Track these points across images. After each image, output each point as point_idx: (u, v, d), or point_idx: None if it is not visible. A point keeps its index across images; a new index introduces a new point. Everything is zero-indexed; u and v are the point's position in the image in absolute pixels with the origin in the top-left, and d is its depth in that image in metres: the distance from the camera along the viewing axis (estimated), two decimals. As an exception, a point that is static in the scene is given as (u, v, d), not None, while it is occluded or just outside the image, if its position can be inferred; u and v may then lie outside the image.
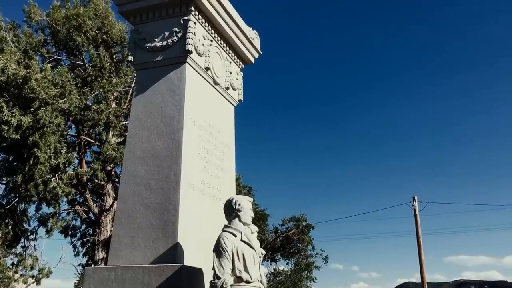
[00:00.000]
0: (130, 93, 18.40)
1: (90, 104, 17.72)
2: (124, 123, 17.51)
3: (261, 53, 8.03)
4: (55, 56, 18.45)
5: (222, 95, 7.27)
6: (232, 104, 7.62)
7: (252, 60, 7.97)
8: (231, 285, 4.74)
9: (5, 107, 14.82)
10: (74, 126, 18.72)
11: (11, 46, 16.42)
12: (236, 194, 7.01)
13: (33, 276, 19.42)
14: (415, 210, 26.02)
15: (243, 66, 7.95)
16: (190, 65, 6.40)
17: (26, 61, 16.03)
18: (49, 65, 16.83)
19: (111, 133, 17.94)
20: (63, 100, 15.89)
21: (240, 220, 5.20)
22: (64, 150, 16.43)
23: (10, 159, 17.34)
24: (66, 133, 18.14)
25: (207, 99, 6.79)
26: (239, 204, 5.24)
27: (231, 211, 5.26)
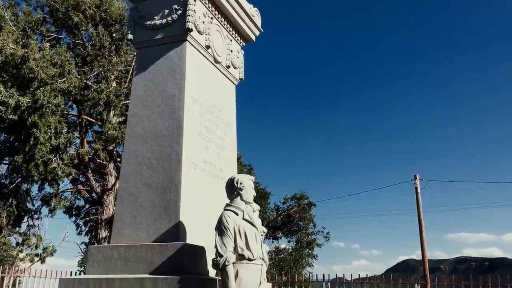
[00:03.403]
0: (130, 72, 18.29)
1: (90, 83, 17.63)
2: (125, 102, 17.46)
3: (262, 30, 7.93)
4: (55, 35, 18.28)
5: (223, 74, 7.21)
6: (233, 83, 7.56)
7: (253, 38, 7.88)
8: (233, 263, 4.78)
9: (2, 88, 14.73)
10: (74, 106, 18.68)
11: (10, 25, 16.25)
12: (238, 173, 7.01)
13: (37, 255, 19.65)
14: (416, 188, 26.09)
15: (244, 44, 7.86)
16: (191, 43, 6.33)
17: (24, 41, 15.88)
18: (48, 44, 16.68)
19: (112, 113, 17.90)
20: (63, 80, 15.80)
21: (241, 199, 5.21)
22: (65, 130, 16.41)
23: (11, 139, 17.35)
24: (66, 113, 18.11)
25: (207, 78, 6.74)
26: (241, 183, 5.24)
27: (232, 190, 5.26)
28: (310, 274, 13.30)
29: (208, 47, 6.63)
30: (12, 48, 15.32)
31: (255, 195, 5.48)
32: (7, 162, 18.06)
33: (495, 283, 10.44)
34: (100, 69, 17.20)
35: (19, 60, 15.26)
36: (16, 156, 16.36)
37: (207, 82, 6.70)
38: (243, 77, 7.71)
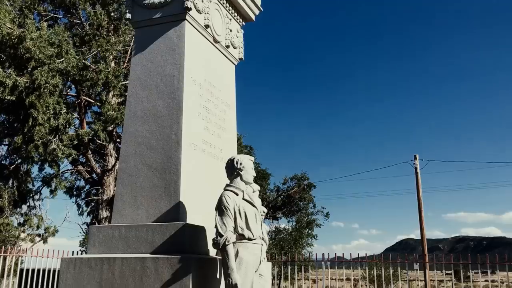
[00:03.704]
0: (129, 52, 18.15)
1: (88, 64, 17.52)
2: (124, 83, 17.38)
3: (262, 9, 7.83)
4: (52, 15, 18.09)
5: (223, 54, 7.15)
6: (233, 63, 7.50)
7: (253, 17, 7.78)
8: (233, 243, 4.81)
9: None
10: (73, 86, 18.60)
11: (7, 5, 16.07)
12: (238, 154, 7.00)
13: (39, 235, 19.82)
14: (416, 168, 26.15)
15: (244, 23, 7.77)
16: (190, 23, 6.26)
17: (21, 20, 15.72)
18: (45, 24, 16.52)
19: (111, 93, 17.83)
20: (60, 60, 15.69)
21: (241, 179, 5.22)
22: (64, 111, 16.37)
23: (10, 120, 17.32)
24: (65, 93, 18.03)
25: (207, 58, 6.68)
26: (241, 163, 5.24)
27: (232, 170, 5.27)
28: (310, 254, 13.43)
29: (207, 26, 6.55)
30: (9, 27, 15.17)
31: (255, 175, 5.49)
32: (6, 143, 18.08)
33: (493, 262, 10.52)
34: (98, 49, 17.07)
35: (16, 39, 15.12)
36: (15, 137, 16.36)
37: (207, 62, 6.64)
38: (242, 57, 7.65)
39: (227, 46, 7.17)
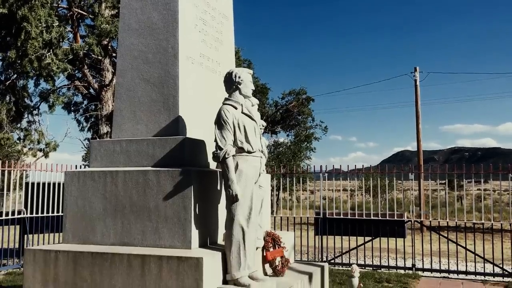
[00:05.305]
0: (119, -40, 17.21)
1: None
2: (116, -7, 16.69)
3: None
4: None
5: (218, -40, 6.77)
6: (229, -30, 7.14)
7: None
8: (233, 155, 4.88)
9: None
10: (64, -2, 17.89)
11: None
12: (236, 67, 6.89)
13: (40, 150, 20.11)
14: (415, 81, 25.96)
15: None
16: None
17: None
18: None
19: (103, 5, 17.19)
20: (49, -31, 14.95)
21: (240, 93, 5.19)
22: (56, 24, 15.88)
23: (3, 34, 16.86)
24: (56, 5, 17.38)
25: (202, -35, 6.33)
26: (239, 77, 5.18)
27: (231, 83, 5.22)
28: (308, 166, 13.72)
29: None
30: None
31: (254, 89, 5.45)
32: (0, 57, 17.73)
33: (486, 171, 10.72)
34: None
35: None
36: (9, 52, 16.02)
37: (202, -30, 6.31)
38: (239, -36, 7.26)
39: (223, -48, 6.78)
